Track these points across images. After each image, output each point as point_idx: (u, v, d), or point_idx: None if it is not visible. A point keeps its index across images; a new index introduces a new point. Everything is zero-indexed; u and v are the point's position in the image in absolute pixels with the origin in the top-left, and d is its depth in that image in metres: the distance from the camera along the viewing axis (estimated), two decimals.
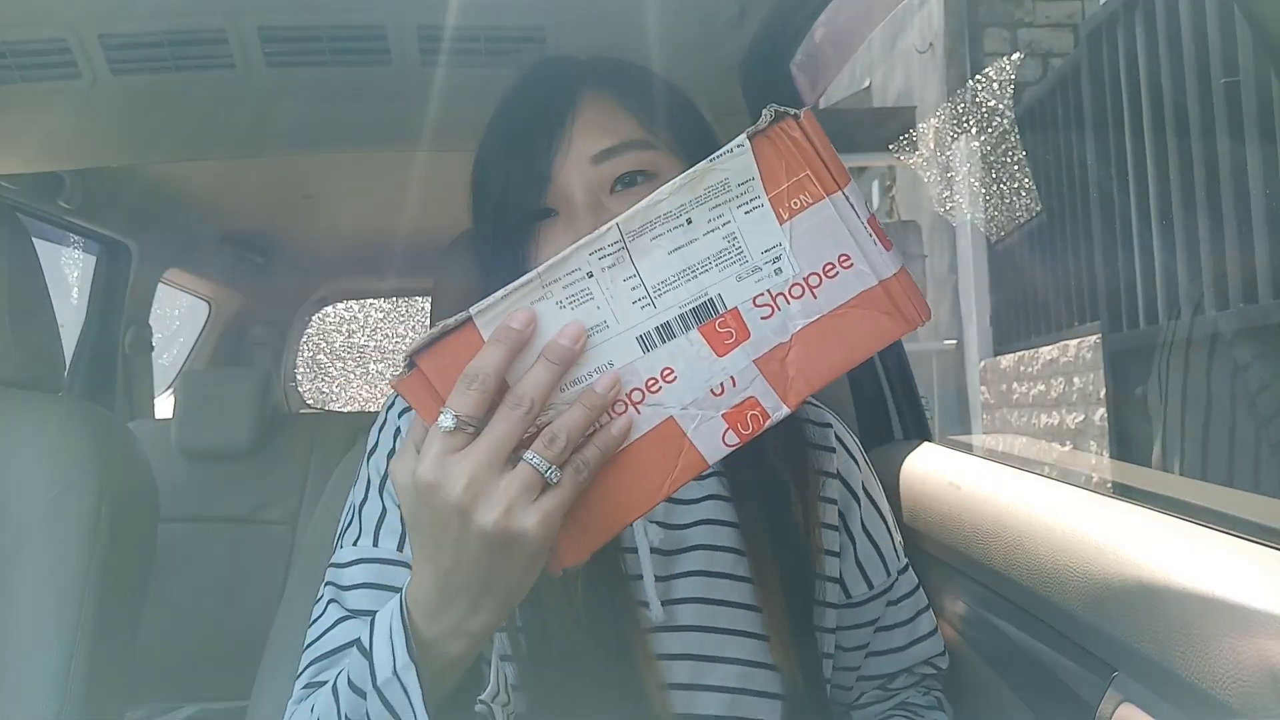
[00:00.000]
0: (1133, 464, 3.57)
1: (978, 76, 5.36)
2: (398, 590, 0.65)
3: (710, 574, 0.77)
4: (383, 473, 0.78)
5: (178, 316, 3.08)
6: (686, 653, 0.75)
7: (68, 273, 2.47)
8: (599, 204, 0.71)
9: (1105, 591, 0.65)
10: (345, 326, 3.56)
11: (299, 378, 3.46)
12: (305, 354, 3.46)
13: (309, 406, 3.50)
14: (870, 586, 0.84)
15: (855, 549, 0.83)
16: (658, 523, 0.78)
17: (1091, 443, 4.02)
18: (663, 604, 0.75)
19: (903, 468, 1.08)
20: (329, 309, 3.43)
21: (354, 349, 3.58)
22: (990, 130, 5.15)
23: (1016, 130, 4.96)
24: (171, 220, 2.33)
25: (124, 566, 1.07)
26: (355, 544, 0.76)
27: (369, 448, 0.82)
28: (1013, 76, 5.22)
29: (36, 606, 0.99)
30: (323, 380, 3.63)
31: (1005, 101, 5.13)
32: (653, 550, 0.76)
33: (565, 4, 1.12)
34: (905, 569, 0.87)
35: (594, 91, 0.74)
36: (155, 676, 1.63)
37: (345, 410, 3.50)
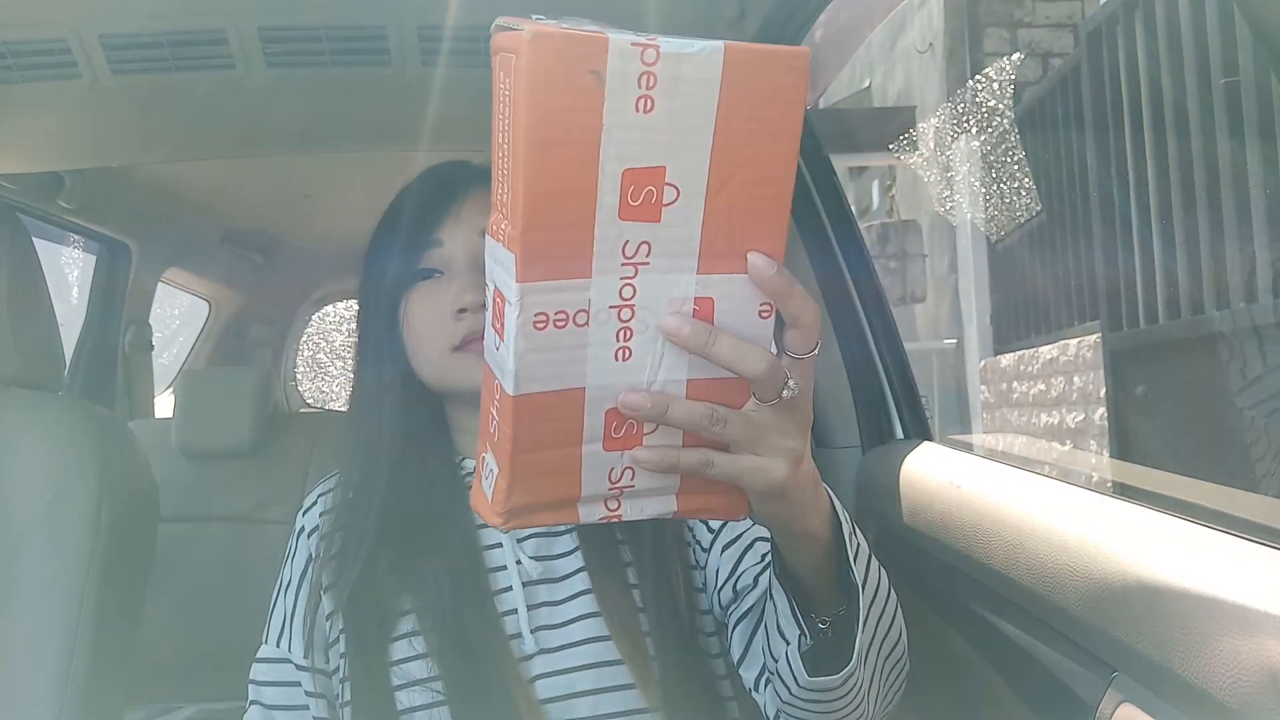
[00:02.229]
0: (1132, 463, 3.57)
1: (978, 76, 5.36)
2: (298, 687, 0.82)
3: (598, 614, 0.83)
4: (301, 573, 0.88)
5: (178, 316, 3.08)
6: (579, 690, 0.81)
7: (68, 273, 2.48)
8: (480, 267, 0.81)
9: (1105, 591, 0.65)
10: (345, 326, 3.56)
11: (299, 377, 3.46)
12: (305, 354, 3.46)
13: (309, 406, 3.50)
14: (711, 530, 0.87)
15: None
16: (533, 557, 0.84)
17: (1091, 442, 4.02)
18: (557, 649, 0.81)
19: (903, 467, 1.08)
20: (329, 309, 3.43)
21: (354, 348, 3.58)
22: (990, 130, 5.15)
23: (1016, 130, 4.96)
24: (171, 220, 2.33)
25: (124, 566, 1.07)
26: (265, 641, 0.88)
27: (288, 552, 0.91)
28: (1013, 76, 5.22)
29: (36, 606, 0.99)
30: (323, 380, 3.64)
31: (1005, 101, 5.13)
32: (530, 583, 0.83)
33: (565, 4, 1.12)
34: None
35: (483, 185, 0.85)
36: (155, 676, 1.63)
37: (345, 409, 3.49)
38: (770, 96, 0.47)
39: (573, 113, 0.44)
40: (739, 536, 0.85)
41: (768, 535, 0.82)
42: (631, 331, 0.49)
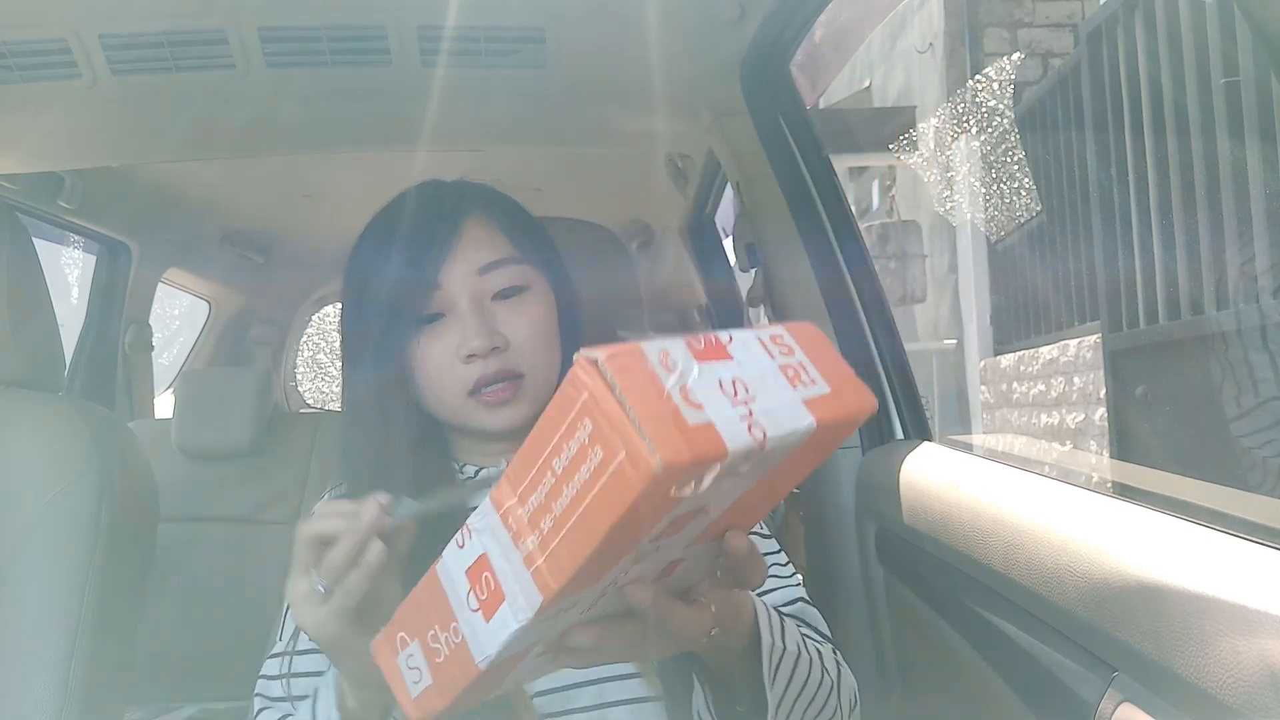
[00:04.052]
0: (1132, 463, 3.57)
1: (978, 76, 5.36)
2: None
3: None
4: None
5: (178, 316, 3.08)
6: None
7: (68, 273, 2.48)
8: (483, 308, 0.85)
9: (1105, 591, 0.65)
10: None
11: (299, 377, 3.46)
12: (305, 354, 3.47)
13: (309, 406, 3.50)
14: None
15: None
16: None
17: (1091, 442, 4.02)
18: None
19: (903, 468, 1.08)
20: (329, 309, 3.43)
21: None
22: (990, 130, 5.15)
23: (1016, 130, 4.96)
24: (171, 220, 2.33)
25: (124, 566, 1.07)
26: (276, 659, 0.87)
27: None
28: (1013, 76, 5.23)
29: (37, 606, 0.98)
30: (323, 380, 3.64)
31: (1005, 101, 5.13)
32: None
33: (565, 4, 1.12)
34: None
35: (474, 215, 0.87)
36: (155, 676, 1.63)
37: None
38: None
39: (654, 510, 0.43)
40: None
41: None
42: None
